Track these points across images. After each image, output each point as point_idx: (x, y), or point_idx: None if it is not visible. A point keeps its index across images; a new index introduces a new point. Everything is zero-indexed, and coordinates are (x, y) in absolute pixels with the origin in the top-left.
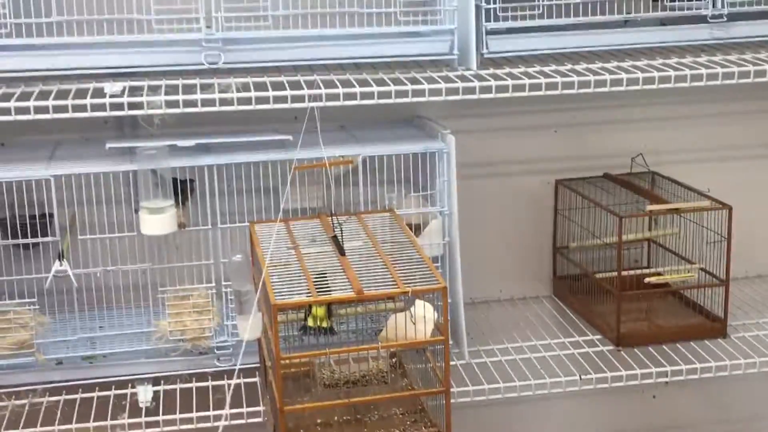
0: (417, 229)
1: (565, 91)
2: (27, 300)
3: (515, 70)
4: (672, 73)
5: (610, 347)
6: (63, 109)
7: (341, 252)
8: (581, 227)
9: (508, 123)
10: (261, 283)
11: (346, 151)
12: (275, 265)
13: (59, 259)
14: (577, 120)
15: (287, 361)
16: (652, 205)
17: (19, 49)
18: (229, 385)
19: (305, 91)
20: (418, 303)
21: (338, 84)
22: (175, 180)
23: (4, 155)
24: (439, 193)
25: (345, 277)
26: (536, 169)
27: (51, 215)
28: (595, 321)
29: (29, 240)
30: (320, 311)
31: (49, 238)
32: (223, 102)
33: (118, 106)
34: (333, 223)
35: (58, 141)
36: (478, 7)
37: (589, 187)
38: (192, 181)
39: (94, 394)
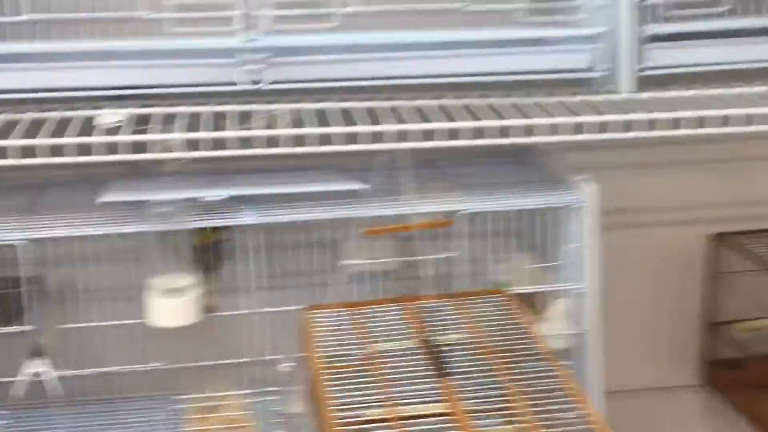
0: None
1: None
2: None
3: (674, 93)
4: None
5: None
6: (28, 152)
7: (441, 371)
8: (746, 297)
9: (648, 157)
10: (318, 401)
11: (439, 204)
12: (339, 375)
13: (36, 356)
14: (741, 154)
15: None
16: None
17: None
18: None
19: (384, 127)
20: None
21: (430, 116)
22: (199, 243)
23: None
24: (568, 263)
25: (446, 410)
26: (686, 218)
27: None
28: (763, 421)
29: None
30: None
31: (22, 327)
32: (269, 142)
33: (113, 148)
34: (424, 319)
35: (45, 181)
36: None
37: (757, 244)
38: (221, 242)
39: None
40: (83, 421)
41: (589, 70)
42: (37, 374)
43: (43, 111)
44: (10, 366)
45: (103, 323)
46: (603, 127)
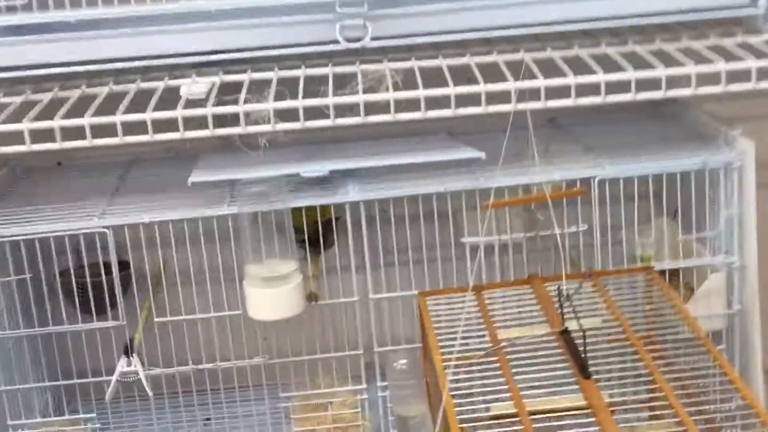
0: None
1: None
2: (82, 415)
3: None
4: None
5: None
6: (107, 130)
7: (584, 372)
8: None
9: None
10: (439, 395)
11: (571, 171)
12: (462, 366)
13: (127, 354)
14: None
15: None
16: None
17: (47, 30)
18: None
19: (503, 85)
20: None
21: (564, 66)
22: (299, 224)
23: (59, 183)
24: (720, 232)
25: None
26: None
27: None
28: None
29: (81, 326)
30: None
31: (110, 323)
32: (372, 108)
33: (197, 123)
34: (557, 302)
35: (130, 157)
36: None
37: None
38: (335, 220)
39: None
40: (183, 415)
41: (748, 5)
42: (127, 374)
43: (120, 83)
44: (98, 361)
45: (198, 316)
46: None
